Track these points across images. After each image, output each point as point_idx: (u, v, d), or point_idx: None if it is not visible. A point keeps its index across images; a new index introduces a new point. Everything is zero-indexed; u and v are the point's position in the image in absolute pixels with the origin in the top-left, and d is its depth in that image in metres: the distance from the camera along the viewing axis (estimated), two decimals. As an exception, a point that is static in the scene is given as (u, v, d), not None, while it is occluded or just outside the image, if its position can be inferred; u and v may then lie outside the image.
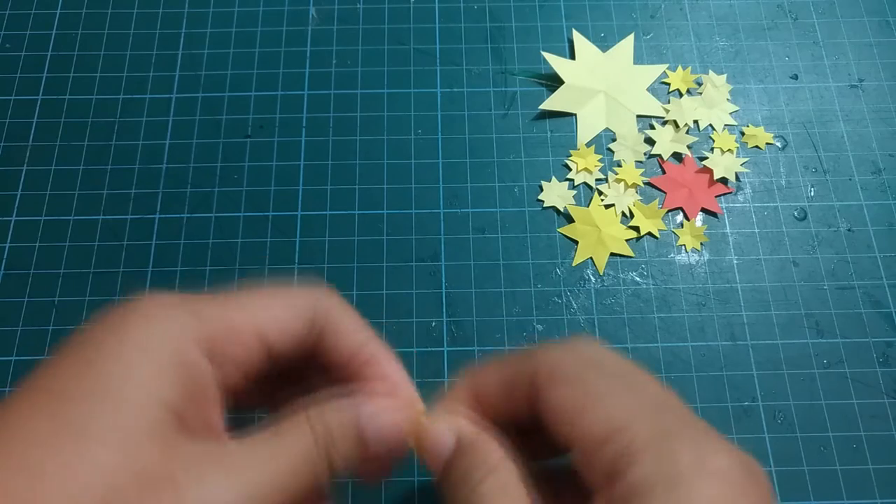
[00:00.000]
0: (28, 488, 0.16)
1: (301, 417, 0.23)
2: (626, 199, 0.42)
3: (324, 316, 0.24)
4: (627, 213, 0.42)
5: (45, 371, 0.19)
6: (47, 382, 0.19)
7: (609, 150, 0.44)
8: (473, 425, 0.24)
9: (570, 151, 0.43)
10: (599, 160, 0.43)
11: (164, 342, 0.20)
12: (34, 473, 0.17)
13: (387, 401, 0.25)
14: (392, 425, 0.24)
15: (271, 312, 0.23)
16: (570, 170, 0.43)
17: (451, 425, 0.24)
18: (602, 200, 0.42)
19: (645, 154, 0.44)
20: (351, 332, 0.25)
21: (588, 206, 0.42)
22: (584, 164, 0.43)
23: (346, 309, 0.25)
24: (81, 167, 0.43)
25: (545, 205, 0.42)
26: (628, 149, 0.44)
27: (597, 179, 0.43)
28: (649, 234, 0.41)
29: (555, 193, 0.42)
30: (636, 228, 0.41)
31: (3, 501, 0.16)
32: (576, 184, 0.43)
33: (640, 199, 0.42)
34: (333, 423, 0.23)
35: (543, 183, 0.43)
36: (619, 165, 0.43)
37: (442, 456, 0.24)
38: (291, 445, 0.22)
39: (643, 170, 0.43)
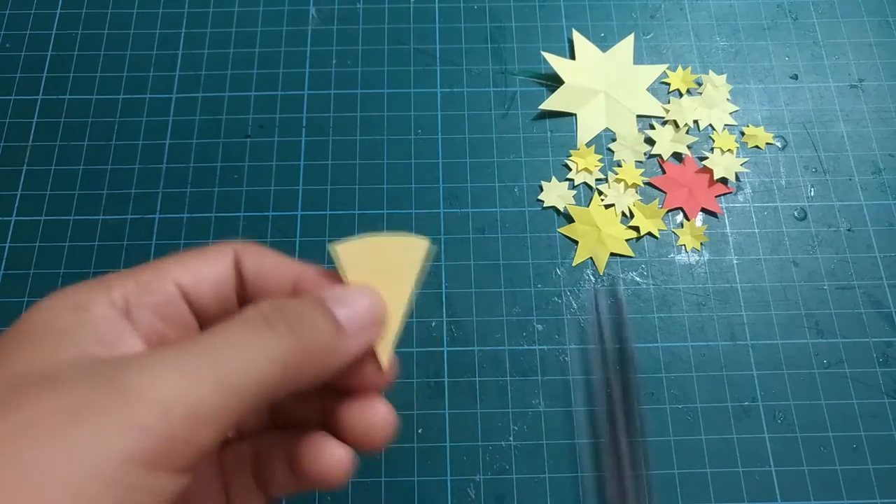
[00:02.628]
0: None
1: (250, 307, 0.22)
2: (626, 199, 0.42)
3: (246, 259, 0.25)
4: (627, 213, 0.42)
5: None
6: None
7: (609, 150, 0.44)
8: None
9: (570, 151, 0.43)
10: (599, 160, 0.43)
11: (66, 308, 0.21)
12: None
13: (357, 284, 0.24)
14: (364, 295, 0.23)
15: (183, 263, 0.24)
16: (570, 170, 0.43)
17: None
18: (602, 200, 0.42)
19: (645, 154, 0.44)
20: (279, 265, 0.25)
21: (588, 206, 0.42)
22: (584, 164, 0.43)
23: (267, 250, 0.26)
24: (81, 167, 0.43)
25: (545, 205, 0.42)
26: (628, 149, 0.44)
27: (597, 179, 0.43)
28: (649, 234, 0.41)
29: (555, 193, 0.42)
30: (636, 228, 0.41)
31: None
32: (576, 184, 0.43)
33: (640, 199, 0.42)
34: (296, 305, 0.22)
35: (543, 183, 0.43)
36: (619, 165, 0.43)
37: None
38: (237, 332, 0.20)
39: (643, 170, 0.43)
